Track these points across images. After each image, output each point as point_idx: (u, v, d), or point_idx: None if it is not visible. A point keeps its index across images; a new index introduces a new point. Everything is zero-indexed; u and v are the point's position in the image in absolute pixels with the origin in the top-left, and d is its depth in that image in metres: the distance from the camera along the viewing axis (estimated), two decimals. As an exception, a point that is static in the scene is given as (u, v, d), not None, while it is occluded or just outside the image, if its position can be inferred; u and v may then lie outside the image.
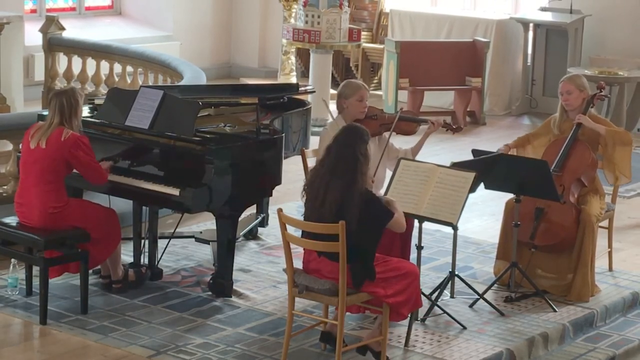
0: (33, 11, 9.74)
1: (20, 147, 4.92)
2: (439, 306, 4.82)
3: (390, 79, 9.21)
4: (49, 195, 4.66)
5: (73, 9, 10.16)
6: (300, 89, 5.96)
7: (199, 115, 4.94)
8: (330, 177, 4.17)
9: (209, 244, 5.48)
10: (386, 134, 5.08)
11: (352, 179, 4.13)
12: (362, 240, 4.16)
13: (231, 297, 4.96)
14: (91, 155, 4.70)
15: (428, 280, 5.18)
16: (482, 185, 4.95)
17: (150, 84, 7.57)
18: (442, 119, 5.24)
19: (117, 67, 8.13)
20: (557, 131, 5.32)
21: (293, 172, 6.17)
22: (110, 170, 4.87)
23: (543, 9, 9.62)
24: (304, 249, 4.35)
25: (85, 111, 5.31)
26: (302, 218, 4.35)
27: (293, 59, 9.96)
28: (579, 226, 5.12)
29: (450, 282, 5.02)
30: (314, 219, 4.20)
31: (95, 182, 4.82)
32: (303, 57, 10.32)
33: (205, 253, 5.59)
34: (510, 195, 5.24)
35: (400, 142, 5.34)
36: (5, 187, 5.84)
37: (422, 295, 4.49)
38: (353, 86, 5.01)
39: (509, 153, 5.29)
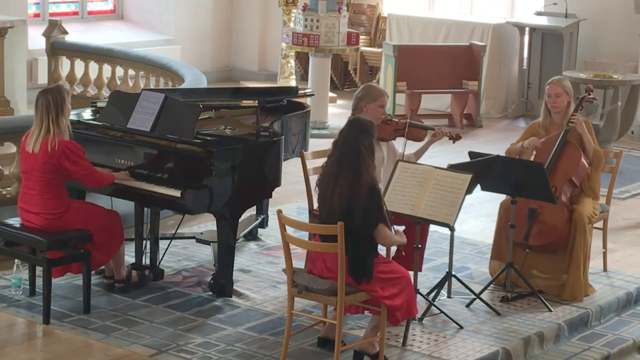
0: (36, 15, 9.78)
1: (19, 154, 4.94)
2: (436, 306, 4.87)
3: (388, 82, 9.27)
4: (49, 202, 4.70)
5: (76, 13, 10.19)
6: (299, 92, 6.01)
7: (199, 118, 4.98)
8: (338, 170, 4.25)
9: (209, 244, 5.52)
10: (394, 143, 5.18)
11: (357, 171, 4.20)
12: (364, 232, 4.21)
13: (231, 297, 5.00)
14: (79, 163, 4.67)
15: (425, 280, 5.23)
16: (478, 186, 4.99)
17: (152, 87, 7.61)
18: (447, 130, 5.34)
19: (119, 71, 8.16)
20: (544, 132, 5.38)
21: (292, 174, 6.22)
22: (130, 176, 4.85)
23: (538, 13, 9.68)
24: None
25: (88, 114, 5.37)
26: (301, 219, 4.40)
27: (292, 62, 10.01)
28: (571, 226, 5.18)
29: (447, 282, 5.07)
30: (326, 209, 4.26)
31: (92, 186, 4.81)
32: (302, 60, 10.37)
33: (206, 254, 5.63)
34: (504, 196, 5.31)
35: (407, 143, 5.40)
36: (8, 188, 5.88)
37: (417, 301, 4.52)
38: (377, 92, 5.05)
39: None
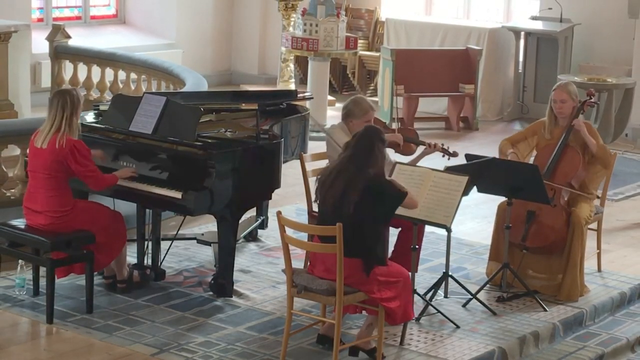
0: (40, 20, 9.83)
1: (27, 152, 4.99)
2: (433, 306, 4.93)
3: (386, 85, 9.34)
4: (54, 201, 4.74)
5: (79, 17, 10.25)
6: (298, 95, 6.07)
7: (200, 121, 5.02)
8: (346, 164, 4.30)
9: (210, 245, 5.56)
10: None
11: (364, 165, 4.26)
12: (373, 224, 4.26)
13: (232, 297, 5.04)
14: (83, 164, 4.72)
15: (423, 280, 5.28)
16: (475, 188, 5.04)
17: (154, 90, 7.66)
18: (441, 143, 5.37)
19: (122, 74, 8.23)
20: (549, 135, 5.47)
21: (292, 176, 6.28)
22: (134, 176, 4.89)
23: (534, 18, 9.75)
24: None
25: (91, 117, 5.43)
26: (300, 220, 4.46)
27: (292, 66, 10.06)
28: (569, 228, 5.23)
29: (444, 283, 5.12)
30: (321, 200, 4.32)
31: (93, 188, 4.85)
32: (301, 64, 10.43)
33: (207, 254, 5.68)
34: (503, 199, 5.36)
35: (397, 156, 5.46)
36: (12, 190, 5.93)
37: (414, 301, 4.55)
38: (363, 108, 5.08)
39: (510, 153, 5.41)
